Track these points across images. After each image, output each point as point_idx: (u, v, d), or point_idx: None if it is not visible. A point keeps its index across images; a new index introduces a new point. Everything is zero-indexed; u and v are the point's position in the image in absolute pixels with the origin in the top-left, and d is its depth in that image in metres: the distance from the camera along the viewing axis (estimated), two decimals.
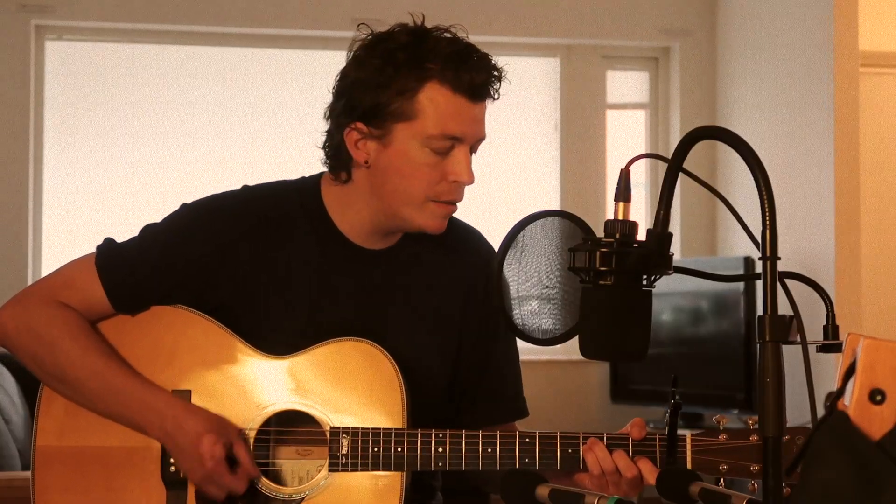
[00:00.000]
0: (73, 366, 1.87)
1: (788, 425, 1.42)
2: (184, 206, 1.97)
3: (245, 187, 2.00)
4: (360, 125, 1.86)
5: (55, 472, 1.88)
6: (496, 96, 1.89)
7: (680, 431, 1.81)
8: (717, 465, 1.81)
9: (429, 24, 1.88)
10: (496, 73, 1.87)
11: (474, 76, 1.83)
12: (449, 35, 1.87)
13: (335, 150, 1.92)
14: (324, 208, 1.96)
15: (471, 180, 1.86)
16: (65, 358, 1.87)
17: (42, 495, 1.88)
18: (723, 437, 1.82)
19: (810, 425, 1.15)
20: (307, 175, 2.02)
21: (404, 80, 1.82)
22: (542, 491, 1.47)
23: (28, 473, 1.90)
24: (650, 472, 1.79)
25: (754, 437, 1.81)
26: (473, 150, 1.89)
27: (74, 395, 1.88)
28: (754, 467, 1.80)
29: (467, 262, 2.02)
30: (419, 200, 1.86)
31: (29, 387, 3.46)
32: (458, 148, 1.84)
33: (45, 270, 4.46)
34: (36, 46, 4.64)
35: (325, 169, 1.97)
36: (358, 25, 1.90)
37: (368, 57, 1.86)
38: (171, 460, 1.87)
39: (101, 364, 1.87)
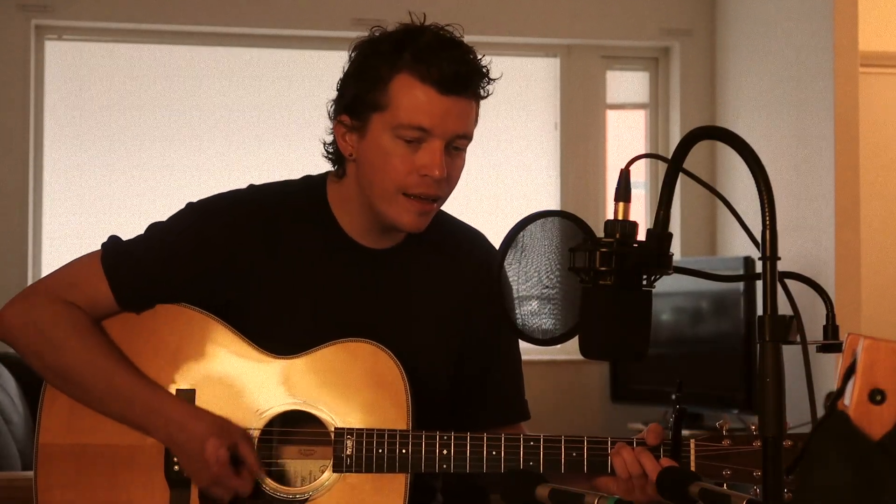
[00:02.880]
0: (78, 365, 1.86)
1: (789, 426, 1.42)
2: (189, 204, 1.98)
3: (251, 186, 2.01)
4: (344, 118, 1.89)
5: (57, 470, 1.88)
6: (482, 93, 1.87)
7: (682, 434, 1.81)
8: (721, 469, 1.81)
9: (428, 24, 1.88)
10: (476, 70, 1.85)
11: (445, 67, 1.81)
12: (441, 31, 1.86)
13: (333, 146, 1.94)
14: (328, 207, 1.97)
15: (441, 174, 1.83)
16: (70, 358, 1.87)
17: (44, 493, 1.88)
18: (726, 442, 1.82)
19: (810, 425, 1.15)
20: (313, 174, 2.02)
21: (379, 70, 1.84)
22: (542, 491, 1.47)
23: (29, 473, 1.89)
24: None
25: (757, 443, 1.80)
26: (456, 147, 1.87)
27: (78, 394, 1.88)
28: (757, 472, 1.80)
29: (470, 263, 2.02)
30: (390, 192, 1.85)
31: (29, 387, 3.46)
32: (430, 141, 1.83)
33: (45, 270, 4.45)
34: (36, 46, 4.64)
35: (330, 168, 1.99)
36: (371, 28, 1.91)
37: (358, 53, 1.89)
38: (175, 460, 1.87)
39: (107, 365, 1.86)
